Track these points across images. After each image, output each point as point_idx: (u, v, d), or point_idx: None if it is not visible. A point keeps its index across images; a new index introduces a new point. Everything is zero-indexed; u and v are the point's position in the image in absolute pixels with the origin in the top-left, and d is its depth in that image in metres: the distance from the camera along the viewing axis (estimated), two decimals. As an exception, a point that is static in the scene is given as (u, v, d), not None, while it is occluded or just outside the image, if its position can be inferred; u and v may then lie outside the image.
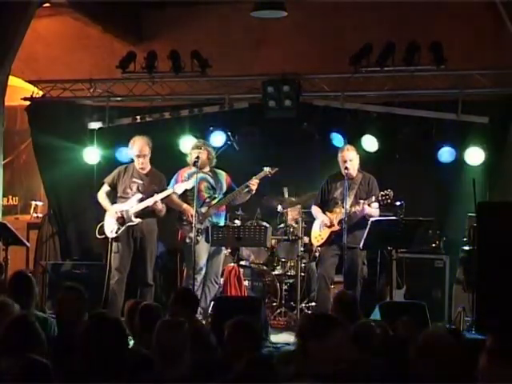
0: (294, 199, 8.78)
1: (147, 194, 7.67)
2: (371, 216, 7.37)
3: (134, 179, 7.73)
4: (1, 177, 8.67)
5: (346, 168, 7.44)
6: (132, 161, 7.90)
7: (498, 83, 8.59)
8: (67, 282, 5.71)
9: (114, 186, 7.83)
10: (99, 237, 7.84)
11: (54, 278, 8.80)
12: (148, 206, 7.60)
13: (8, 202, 10.72)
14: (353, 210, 7.37)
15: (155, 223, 7.82)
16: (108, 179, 7.88)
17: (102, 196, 7.86)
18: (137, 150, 7.74)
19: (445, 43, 8.23)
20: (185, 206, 7.74)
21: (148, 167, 7.81)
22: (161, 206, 7.66)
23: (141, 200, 7.63)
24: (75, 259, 9.45)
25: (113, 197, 7.87)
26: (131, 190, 7.71)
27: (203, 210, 7.75)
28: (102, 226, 7.78)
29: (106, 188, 7.87)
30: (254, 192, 7.81)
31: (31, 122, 9.88)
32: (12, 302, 4.50)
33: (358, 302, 5.62)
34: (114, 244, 7.69)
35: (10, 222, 9.00)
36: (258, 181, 7.73)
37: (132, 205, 7.64)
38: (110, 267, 7.80)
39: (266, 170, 7.79)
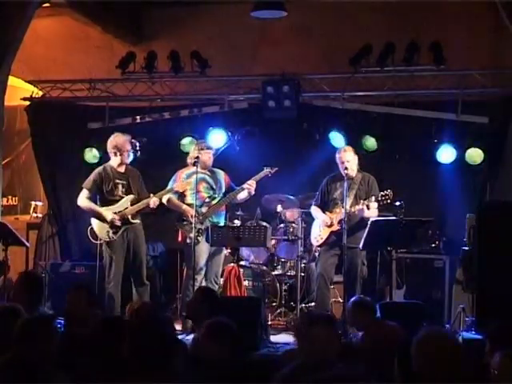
0: (292, 198, 8.78)
1: (136, 194, 7.60)
2: (369, 218, 7.37)
3: (117, 180, 7.58)
4: (1, 177, 8.66)
5: (346, 168, 7.44)
6: (105, 161, 7.75)
7: (497, 83, 8.60)
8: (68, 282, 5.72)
9: (96, 190, 7.60)
10: (94, 241, 7.68)
11: (53, 278, 8.78)
12: (147, 206, 7.57)
13: (8, 202, 10.70)
14: (352, 210, 7.37)
15: (141, 222, 7.70)
16: (87, 184, 7.62)
17: (85, 201, 7.61)
18: (118, 146, 7.59)
19: (445, 43, 8.23)
20: (185, 206, 7.72)
21: (124, 165, 7.67)
22: (155, 200, 7.54)
23: (132, 200, 7.55)
24: (75, 259, 9.43)
25: (100, 201, 7.67)
26: (117, 190, 7.58)
27: (203, 209, 7.74)
28: (93, 230, 7.60)
29: (85, 193, 7.62)
30: (253, 193, 7.81)
31: (31, 122, 9.87)
32: (21, 307, 4.44)
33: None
34: (109, 249, 7.53)
35: (10, 222, 8.98)
36: (254, 182, 7.72)
37: (125, 206, 7.55)
38: (103, 269, 7.68)
39: (266, 170, 7.79)
